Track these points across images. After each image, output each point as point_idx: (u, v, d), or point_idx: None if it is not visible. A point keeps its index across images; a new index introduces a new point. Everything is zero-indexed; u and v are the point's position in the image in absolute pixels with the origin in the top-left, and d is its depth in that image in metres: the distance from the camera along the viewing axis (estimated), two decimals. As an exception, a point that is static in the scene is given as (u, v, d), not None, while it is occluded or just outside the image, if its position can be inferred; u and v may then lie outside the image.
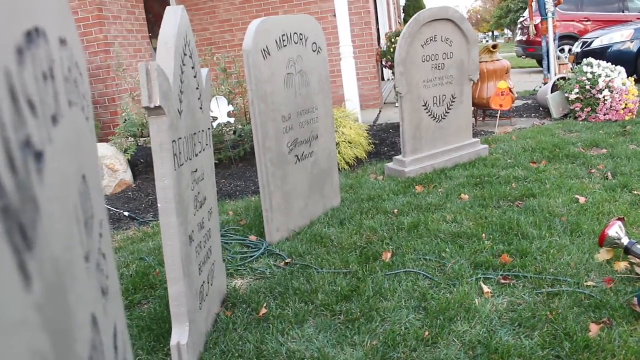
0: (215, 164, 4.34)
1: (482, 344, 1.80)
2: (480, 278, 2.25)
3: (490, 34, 54.10)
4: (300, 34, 2.96)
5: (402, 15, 22.32)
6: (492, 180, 3.59)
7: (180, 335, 1.77)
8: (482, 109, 5.83)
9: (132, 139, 4.72)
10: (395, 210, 3.16)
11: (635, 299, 1.92)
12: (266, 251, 2.77)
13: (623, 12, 10.72)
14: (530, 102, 7.09)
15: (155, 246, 2.95)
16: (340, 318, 2.06)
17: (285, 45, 2.84)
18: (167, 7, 1.89)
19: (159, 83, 1.61)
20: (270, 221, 2.86)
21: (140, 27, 6.61)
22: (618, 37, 8.22)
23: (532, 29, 8.97)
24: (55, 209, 0.33)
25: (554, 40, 7.11)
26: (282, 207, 2.90)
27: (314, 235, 2.88)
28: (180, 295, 1.76)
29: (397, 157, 4.07)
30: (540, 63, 10.86)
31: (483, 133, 5.34)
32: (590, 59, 5.57)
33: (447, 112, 4.17)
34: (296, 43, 2.93)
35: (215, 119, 4.35)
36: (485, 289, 2.15)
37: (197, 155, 2.00)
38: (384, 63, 8.02)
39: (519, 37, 12.79)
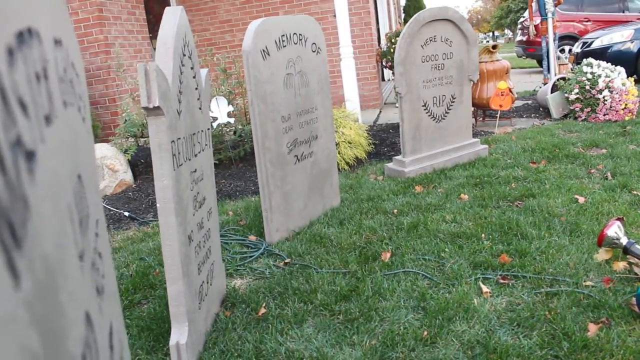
0: (215, 164, 4.36)
1: (480, 343, 1.81)
2: (479, 278, 2.25)
3: (491, 34, 54.11)
4: (300, 34, 2.96)
5: (403, 16, 22.33)
6: (492, 180, 3.60)
7: (179, 335, 1.77)
8: (481, 109, 5.84)
9: (132, 139, 4.72)
10: (395, 210, 3.16)
11: (634, 299, 1.92)
12: (265, 251, 2.78)
13: (623, 12, 10.71)
14: (530, 102, 7.09)
15: (155, 246, 2.96)
16: (339, 318, 2.06)
17: (285, 46, 2.85)
18: (166, 8, 1.90)
19: (157, 83, 1.62)
20: (270, 221, 2.86)
21: (141, 28, 6.62)
22: (618, 37, 8.22)
23: (532, 29, 8.96)
24: (47, 208, 0.33)
25: (554, 40, 7.11)
26: (282, 207, 2.91)
27: (313, 235, 2.89)
28: (179, 294, 1.76)
29: (396, 157, 4.07)
30: (540, 63, 10.86)
31: (483, 133, 5.35)
32: (590, 59, 5.57)
33: (446, 112, 4.17)
34: (295, 43, 2.93)
35: (215, 119, 4.35)
36: (484, 288, 2.16)
37: (196, 156, 2.00)
38: (384, 63, 8.02)
39: (519, 37, 12.79)
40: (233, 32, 7.68)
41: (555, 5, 7.19)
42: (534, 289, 2.13)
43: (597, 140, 4.39)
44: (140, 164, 4.79)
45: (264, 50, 2.70)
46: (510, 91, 5.34)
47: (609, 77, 5.28)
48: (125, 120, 4.59)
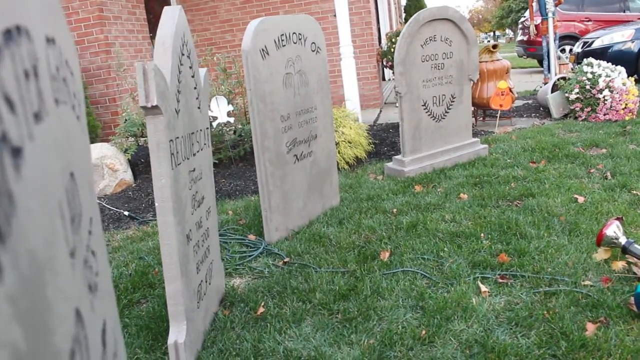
0: (215, 163, 4.36)
1: (478, 342, 1.81)
2: (478, 277, 2.25)
3: (492, 33, 54.09)
4: (299, 34, 2.96)
5: (403, 15, 22.31)
6: (491, 179, 3.60)
7: (177, 334, 1.77)
8: (481, 108, 5.83)
9: (132, 139, 4.73)
10: (394, 210, 3.17)
11: (632, 298, 1.92)
12: (265, 250, 2.78)
13: (624, 11, 10.70)
14: (530, 101, 7.09)
15: (155, 245, 2.96)
16: (337, 317, 2.06)
17: (284, 45, 2.85)
18: (165, 7, 1.90)
19: (155, 82, 1.62)
20: (269, 220, 2.87)
21: (141, 28, 6.62)
22: (619, 37, 8.21)
23: (532, 29, 8.96)
24: (35, 204, 0.33)
25: (555, 40, 7.11)
26: (281, 206, 2.91)
27: (312, 235, 2.89)
28: (177, 293, 1.76)
29: (396, 157, 4.07)
30: (541, 63, 10.85)
31: (483, 133, 5.34)
32: (591, 59, 5.57)
33: (446, 112, 4.17)
34: (295, 43, 2.93)
35: (215, 118, 4.35)
36: (483, 288, 2.16)
37: (194, 155, 2.01)
38: (384, 63, 8.02)
39: (519, 37, 12.79)
40: (233, 31, 7.69)
41: (556, 5, 7.19)
42: (532, 289, 2.13)
43: (597, 140, 4.39)
44: (140, 164, 4.79)
45: (263, 50, 2.70)
46: (511, 91, 5.34)
47: (609, 76, 5.28)
48: (126, 120, 4.60)
